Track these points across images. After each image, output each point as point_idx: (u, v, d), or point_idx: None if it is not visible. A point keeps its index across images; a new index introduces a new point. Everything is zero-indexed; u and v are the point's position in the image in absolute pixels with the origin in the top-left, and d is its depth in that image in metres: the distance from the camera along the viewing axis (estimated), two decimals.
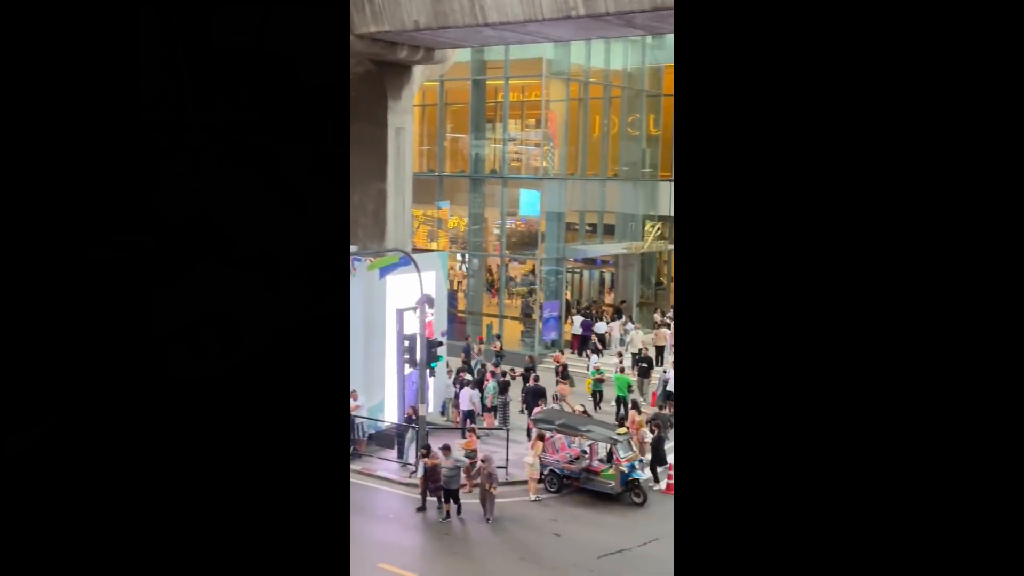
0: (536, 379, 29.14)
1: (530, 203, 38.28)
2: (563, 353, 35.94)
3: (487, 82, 39.22)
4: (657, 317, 40.81)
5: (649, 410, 28.43)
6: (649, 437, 24.96)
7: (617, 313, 41.41)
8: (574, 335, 38.53)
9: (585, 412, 26.92)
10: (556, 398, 28.44)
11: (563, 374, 30.28)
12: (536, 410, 26.26)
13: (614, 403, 29.53)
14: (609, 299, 44.42)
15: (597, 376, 30.99)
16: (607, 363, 33.73)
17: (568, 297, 41.27)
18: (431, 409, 27.31)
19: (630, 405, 28.25)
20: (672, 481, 23.62)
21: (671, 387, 29.07)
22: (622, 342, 37.48)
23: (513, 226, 39.57)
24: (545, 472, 23.57)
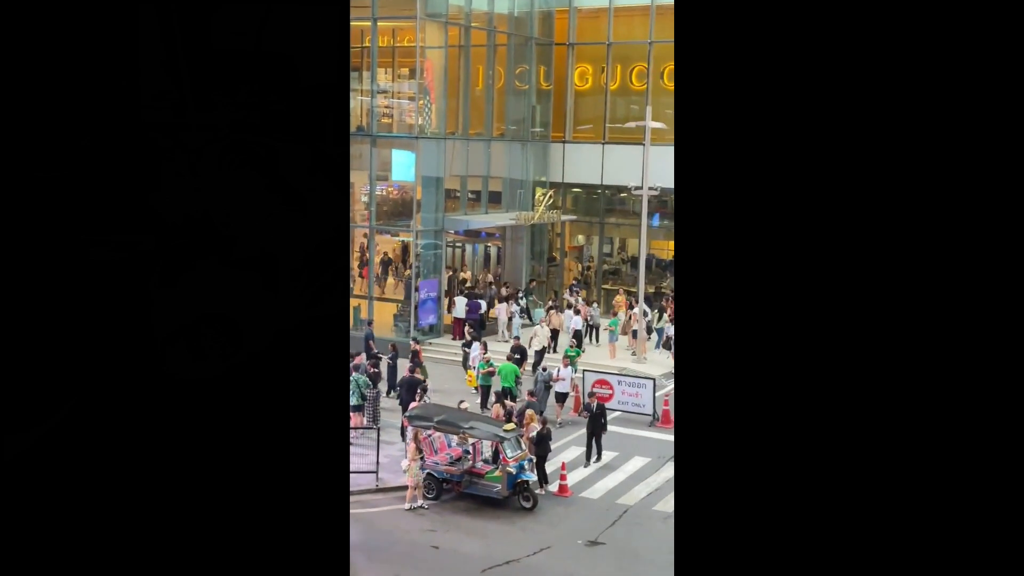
0: (412, 369, 26.08)
1: (403, 166, 34.06)
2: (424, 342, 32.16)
3: (351, 23, 33.95)
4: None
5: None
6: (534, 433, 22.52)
7: (515, 294, 37.15)
8: (456, 319, 34.27)
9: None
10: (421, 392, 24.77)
11: (414, 362, 27.17)
12: (412, 405, 23.42)
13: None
14: (487, 277, 39.62)
15: (487, 369, 27.48)
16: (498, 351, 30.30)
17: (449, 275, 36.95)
18: None
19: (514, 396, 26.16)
20: (566, 482, 21.89)
21: (564, 381, 26.98)
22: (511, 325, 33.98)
23: (384, 193, 35.68)
24: (422, 476, 21.25)
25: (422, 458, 21.00)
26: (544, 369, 27.61)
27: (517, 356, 29.16)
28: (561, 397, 27.43)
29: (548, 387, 26.80)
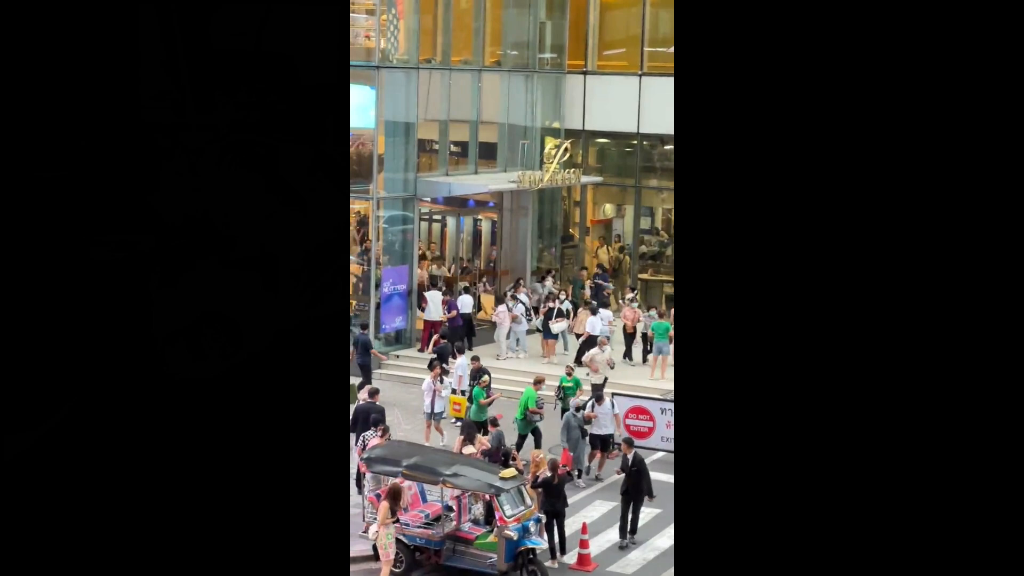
0: (373, 393, 18.66)
1: (359, 108, 23.39)
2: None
3: None
4: (547, 286, 27.24)
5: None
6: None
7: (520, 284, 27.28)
8: (427, 322, 24.69)
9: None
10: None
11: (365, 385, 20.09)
12: (371, 444, 16.62)
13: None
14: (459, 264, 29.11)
15: (487, 398, 19.62)
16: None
17: (428, 263, 27.06)
18: None
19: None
20: (588, 551, 15.87)
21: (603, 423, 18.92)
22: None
23: None
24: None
25: (397, 520, 15.03)
26: (578, 410, 18.98)
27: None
28: (600, 442, 19.18)
29: (584, 432, 19.01)
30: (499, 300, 26.18)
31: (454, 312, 24.65)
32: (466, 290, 26.20)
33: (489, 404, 19.60)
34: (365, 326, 23.47)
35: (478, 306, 26.82)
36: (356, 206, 25.14)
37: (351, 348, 22.54)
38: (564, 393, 20.25)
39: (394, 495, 14.66)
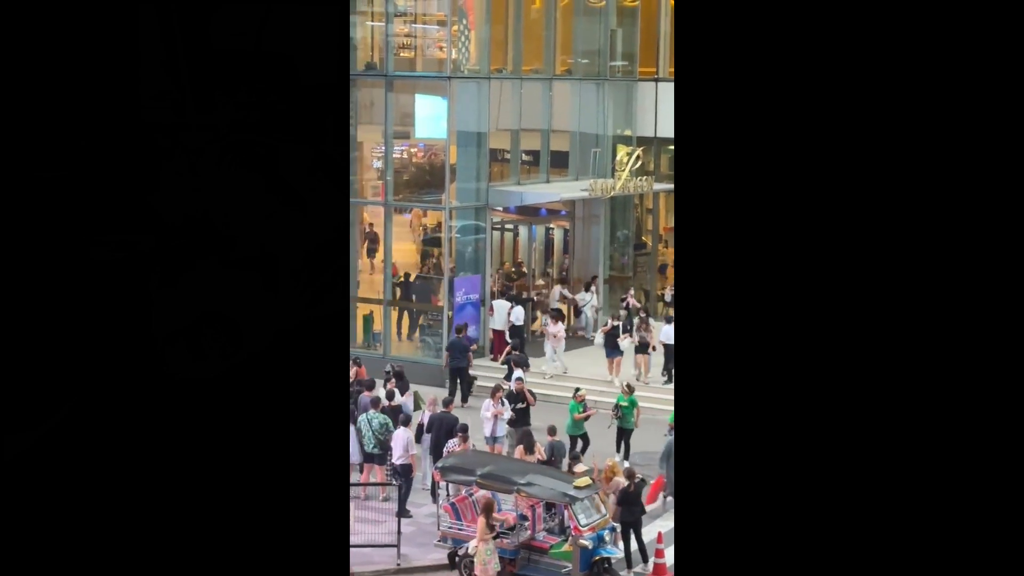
0: (447, 403, 18.99)
1: (431, 118, 24.63)
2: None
3: None
4: (630, 299, 26.41)
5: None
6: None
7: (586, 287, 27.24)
8: (495, 332, 24.62)
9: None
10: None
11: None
12: (448, 451, 17.06)
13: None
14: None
15: (583, 412, 19.35)
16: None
17: (495, 270, 26.62)
18: None
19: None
20: (663, 560, 15.32)
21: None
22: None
23: (404, 155, 26.42)
24: (459, 551, 15.32)
25: (496, 536, 14.86)
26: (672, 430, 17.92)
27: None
28: None
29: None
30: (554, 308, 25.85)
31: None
32: (518, 300, 25.53)
33: (586, 419, 19.32)
34: (460, 329, 23.46)
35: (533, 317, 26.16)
36: (431, 218, 25.78)
37: (444, 353, 22.96)
38: (621, 412, 19.68)
39: (487, 509, 14.59)
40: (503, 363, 22.87)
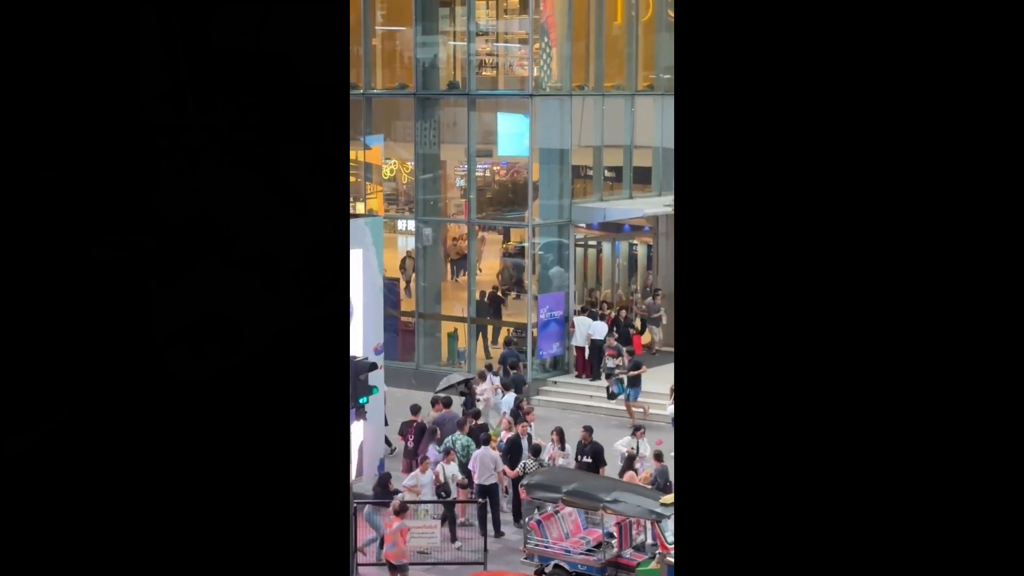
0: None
1: (513, 136, 25.08)
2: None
3: None
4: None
5: None
6: None
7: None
8: (578, 348, 24.81)
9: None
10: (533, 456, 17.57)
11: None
12: (529, 469, 17.34)
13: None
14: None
15: None
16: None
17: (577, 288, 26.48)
18: (363, 475, 18.63)
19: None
20: None
21: None
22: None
23: (486, 174, 26.77)
24: (548, 569, 15.63)
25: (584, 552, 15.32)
26: None
27: None
28: None
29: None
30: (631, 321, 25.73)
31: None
32: (595, 314, 25.20)
33: None
34: (509, 343, 23.99)
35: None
36: (513, 235, 26.11)
37: (497, 365, 22.84)
38: None
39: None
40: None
